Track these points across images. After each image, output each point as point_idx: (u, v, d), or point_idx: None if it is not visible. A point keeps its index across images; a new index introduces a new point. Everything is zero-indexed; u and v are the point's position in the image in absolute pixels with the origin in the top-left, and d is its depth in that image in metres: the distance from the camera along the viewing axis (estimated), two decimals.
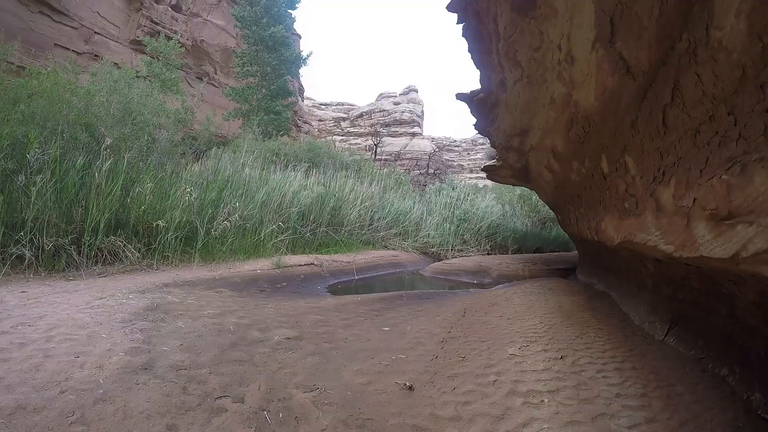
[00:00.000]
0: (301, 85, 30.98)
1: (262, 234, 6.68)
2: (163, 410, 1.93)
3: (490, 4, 3.32)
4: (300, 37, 26.16)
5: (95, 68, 8.41)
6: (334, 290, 6.01)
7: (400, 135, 38.55)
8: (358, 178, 10.99)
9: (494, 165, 7.32)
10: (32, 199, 4.32)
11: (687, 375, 2.44)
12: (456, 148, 44.06)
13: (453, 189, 13.43)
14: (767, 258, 1.49)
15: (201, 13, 20.07)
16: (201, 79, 19.39)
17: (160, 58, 13.43)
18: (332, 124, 41.26)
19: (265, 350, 2.84)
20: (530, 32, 2.95)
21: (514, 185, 10.37)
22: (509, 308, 4.34)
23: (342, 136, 38.75)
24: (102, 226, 4.78)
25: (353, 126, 40.93)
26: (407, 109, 40.13)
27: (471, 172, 38.40)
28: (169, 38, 14.74)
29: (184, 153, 8.14)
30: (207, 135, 12.19)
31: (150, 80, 11.34)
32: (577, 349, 2.90)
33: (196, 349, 2.71)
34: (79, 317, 3.05)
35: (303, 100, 33.80)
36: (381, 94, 43.19)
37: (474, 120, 6.02)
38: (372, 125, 39.03)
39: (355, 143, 36.19)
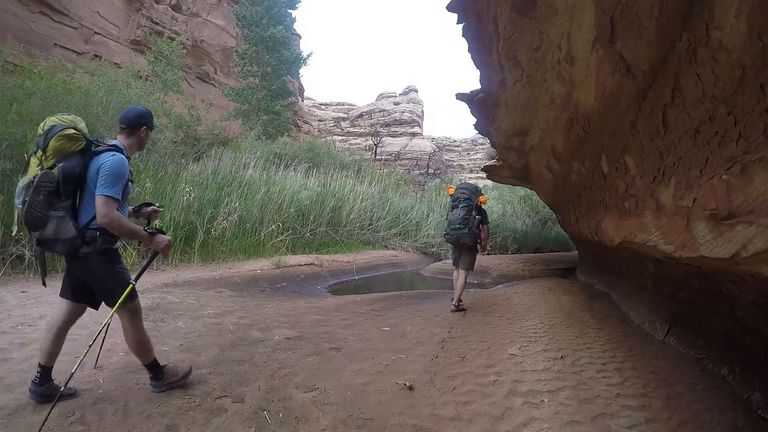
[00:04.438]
0: (301, 85, 30.94)
1: (262, 234, 6.68)
2: (163, 410, 1.93)
3: (490, 4, 3.31)
4: (300, 37, 26.14)
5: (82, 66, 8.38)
6: (334, 290, 6.01)
7: (400, 135, 38.51)
8: (358, 178, 10.97)
9: (494, 165, 7.31)
10: None
11: (687, 375, 2.44)
12: (456, 148, 43.98)
13: None
14: (767, 258, 1.49)
15: (201, 13, 20.04)
16: (203, 80, 19.36)
17: (162, 59, 13.41)
18: (332, 124, 41.19)
19: (265, 350, 2.84)
20: (530, 32, 2.94)
21: (514, 185, 10.36)
22: (509, 308, 4.34)
23: (342, 136, 38.66)
24: None
25: (353, 126, 40.88)
26: (407, 109, 40.08)
27: (471, 172, 38.32)
28: (172, 39, 14.72)
29: (185, 153, 8.13)
30: (211, 138, 12.16)
31: (151, 80, 11.33)
32: (577, 349, 2.90)
33: (196, 349, 2.71)
34: None
35: (303, 100, 33.76)
36: (381, 94, 43.14)
37: (474, 120, 6.02)
38: (372, 125, 38.97)
39: (355, 143, 36.16)
